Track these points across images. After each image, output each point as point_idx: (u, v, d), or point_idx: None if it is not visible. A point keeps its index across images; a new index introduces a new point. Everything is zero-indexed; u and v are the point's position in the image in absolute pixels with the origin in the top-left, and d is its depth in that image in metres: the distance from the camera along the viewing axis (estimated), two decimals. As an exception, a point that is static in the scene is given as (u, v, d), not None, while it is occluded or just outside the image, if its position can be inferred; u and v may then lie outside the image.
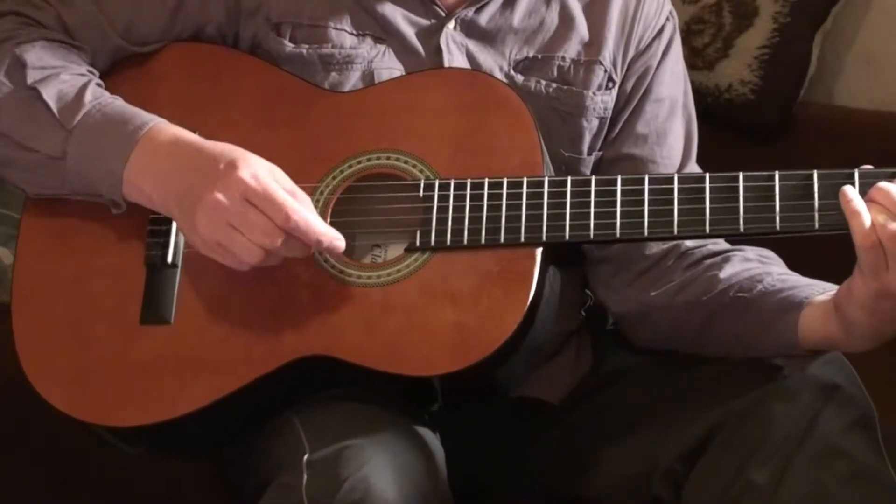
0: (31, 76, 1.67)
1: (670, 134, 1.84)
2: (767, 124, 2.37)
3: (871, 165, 1.58)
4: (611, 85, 1.81)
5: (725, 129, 2.36)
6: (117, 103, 1.68)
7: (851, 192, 1.53)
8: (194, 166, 1.60)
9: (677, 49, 1.87)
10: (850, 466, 1.60)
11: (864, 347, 1.60)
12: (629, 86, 1.83)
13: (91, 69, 1.74)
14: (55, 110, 1.65)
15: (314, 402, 1.65)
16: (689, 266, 1.76)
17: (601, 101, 1.81)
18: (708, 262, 1.76)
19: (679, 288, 1.75)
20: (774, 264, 1.75)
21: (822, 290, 1.64)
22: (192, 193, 1.58)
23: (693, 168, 1.85)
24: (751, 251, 1.76)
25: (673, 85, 1.85)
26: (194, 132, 1.66)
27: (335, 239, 1.58)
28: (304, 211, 1.56)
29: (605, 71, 1.81)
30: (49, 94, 1.66)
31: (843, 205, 1.53)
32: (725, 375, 1.71)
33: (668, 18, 1.86)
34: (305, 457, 1.57)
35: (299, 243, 1.57)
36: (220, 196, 1.56)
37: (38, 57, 1.69)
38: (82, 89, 1.68)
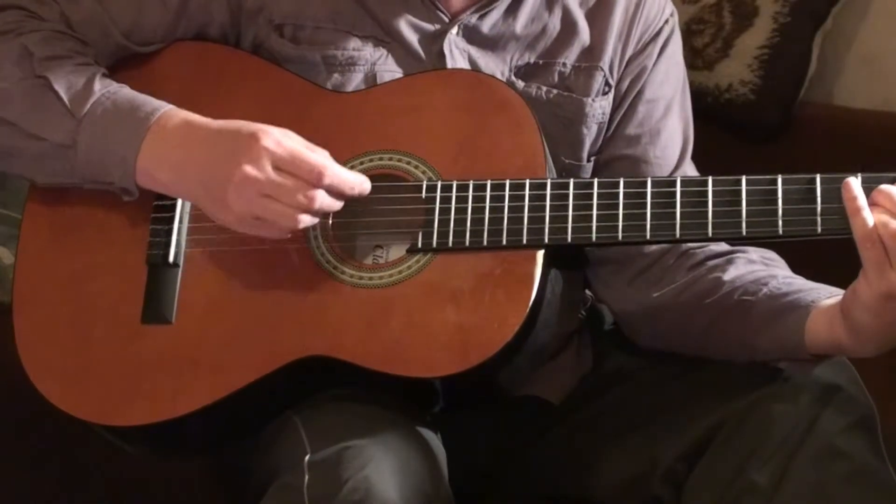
0: (39, 65, 1.67)
1: (664, 134, 1.83)
2: (767, 124, 2.37)
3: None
4: (607, 89, 1.81)
5: (725, 129, 2.36)
6: (126, 91, 1.69)
7: (856, 187, 1.52)
8: (211, 148, 1.61)
9: (674, 49, 1.86)
10: (850, 467, 1.60)
11: (873, 352, 1.59)
12: (624, 86, 1.82)
13: (97, 60, 1.74)
14: (65, 99, 1.66)
15: (315, 403, 1.65)
16: (692, 267, 1.76)
17: (600, 107, 1.80)
18: (711, 263, 1.75)
19: (682, 289, 1.75)
20: (779, 267, 1.74)
21: (828, 294, 1.64)
22: (217, 174, 1.59)
23: (688, 168, 1.85)
24: (754, 253, 1.75)
25: (668, 85, 1.85)
26: None
27: (363, 182, 1.62)
28: (332, 164, 1.59)
29: (604, 76, 1.80)
30: (59, 83, 1.66)
31: (845, 200, 1.52)
32: (726, 376, 1.71)
33: (667, 21, 1.85)
34: (307, 457, 1.57)
35: (334, 197, 1.60)
36: (249, 169, 1.57)
37: (44, 47, 1.69)
38: (91, 78, 1.68)
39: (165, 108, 1.66)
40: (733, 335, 1.70)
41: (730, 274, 1.72)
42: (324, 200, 1.59)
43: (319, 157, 1.60)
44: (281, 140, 1.59)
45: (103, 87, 1.67)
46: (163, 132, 1.64)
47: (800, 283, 1.69)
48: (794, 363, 1.66)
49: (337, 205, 1.61)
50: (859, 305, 1.54)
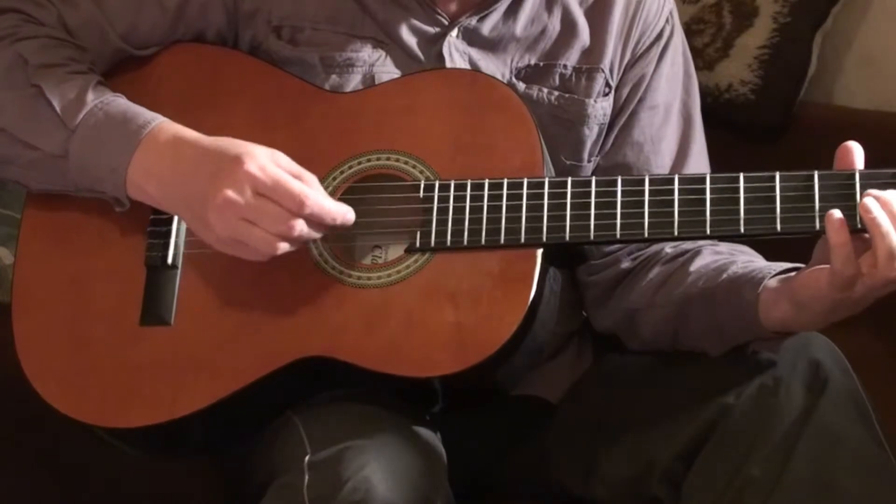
0: (34, 74, 1.67)
1: (665, 140, 1.83)
2: (767, 124, 2.36)
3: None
4: (608, 90, 1.81)
5: (725, 129, 2.35)
6: (119, 101, 1.68)
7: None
8: (196, 167, 1.61)
9: (675, 51, 1.86)
10: (851, 453, 1.60)
11: (819, 327, 1.63)
12: (624, 93, 1.82)
13: (92, 67, 1.73)
14: (58, 109, 1.65)
15: (315, 403, 1.65)
16: (665, 262, 1.77)
17: (601, 108, 1.80)
18: (682, 258, 1.76)
19: (657, 286, 1.76)
20: (744, 254, 1.75)
21: (776, 269, 1.65)
22: (200, 194, 1.59)
23: (694, 165, 1.84)
24: (724, 245, 1.76)
25: (668, 90, 1.85)
26: None
27: (346, 213, 1.61)
28: (315, 194, 1.58)
29: (605, 78, 1.80)
30: (52, 92, 1.66)
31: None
32: (719, 372, 1.70)
33: (667, 21, 1.85)
34: (307, 458, 1.57)
35: (315, 226, 1.59)
36: (230, 193, 1.56)
37: (40, 54, 1.69)
38: (84, 87, 1.67)
39: (158, 120, 1.66)
40: (702, 323, 1.71)
41: (695, 265, 1.74)
42: (303, 230, 1.58)
43: (302, 185, 1.58)
44: (265, 165, 1.57)
45: (96, 97, 1.67)
46: (154, 145, 1.64)
47: (755, 264, 1.69)
48: (762, 342, 1.67)
49: (317, 234, 1.60)
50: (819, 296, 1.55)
